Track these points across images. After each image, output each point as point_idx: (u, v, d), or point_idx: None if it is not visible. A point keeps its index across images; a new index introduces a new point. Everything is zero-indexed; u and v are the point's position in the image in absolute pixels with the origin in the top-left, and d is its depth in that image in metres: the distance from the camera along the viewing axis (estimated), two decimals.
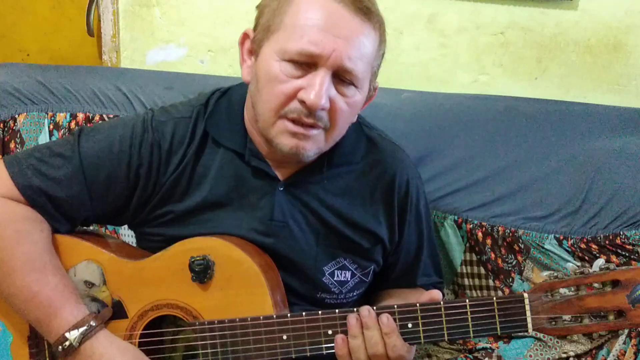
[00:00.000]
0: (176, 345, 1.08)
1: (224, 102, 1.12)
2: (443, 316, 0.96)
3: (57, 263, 1.02)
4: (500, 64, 1.71)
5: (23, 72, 1.60)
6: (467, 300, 0.96)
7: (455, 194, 1.46)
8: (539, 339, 1.41)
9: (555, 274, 0.97)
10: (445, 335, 0.96)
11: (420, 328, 0.96)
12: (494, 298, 0.96)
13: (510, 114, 1.55)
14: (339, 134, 1.05)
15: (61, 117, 1.52)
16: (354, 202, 1.13)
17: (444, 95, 1.63)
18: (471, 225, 1.44)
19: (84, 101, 1.54)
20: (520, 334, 1.41)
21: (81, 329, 0.96)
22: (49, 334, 0.98)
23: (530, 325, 0.95)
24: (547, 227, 1.41)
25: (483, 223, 1.43)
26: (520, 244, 1.41)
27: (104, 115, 1.52)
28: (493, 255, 1.42)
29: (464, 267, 1.44)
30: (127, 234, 1.45)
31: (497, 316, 0.95)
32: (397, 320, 0.97)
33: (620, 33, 1.64)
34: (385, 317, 0.96)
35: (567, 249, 1.38)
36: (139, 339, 1.03)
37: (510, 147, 1.49)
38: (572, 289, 0.95)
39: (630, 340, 1.35)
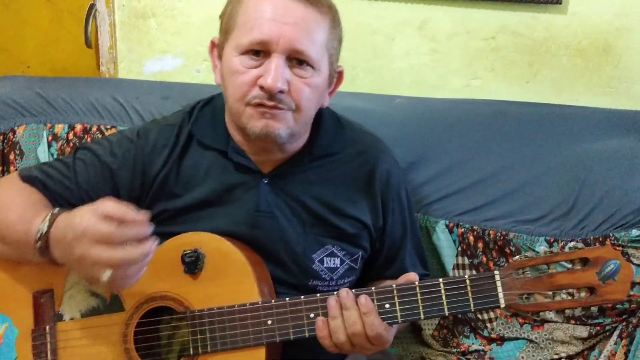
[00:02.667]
0: (171, 334, 1.12)
1: (208, 108, 1.21)
2: (418, 295, 1.01)
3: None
4: (492, 69, 1.73)
5: (23, 85, 1.63)
6: (440, 280, 1.01)
7: (446, 198, 1.48)
8: (531, 341, 1.42)
9: (526, 254, 1.00)
10: (422, 313, 1.01)
11: (397, 308, 1.01)
12: (466, 276, 1.01)
13: (502, 118, 1.57)
14: (306, 114, 1.11)
15: (59, 129, 1.55)
16: (338, 191, 1.18)
17: (435, 101, 1.65)
18: (462, 230, 1.45)
19: (82, 112, 1.57)
20: (511, 335, 1.43)
21: (46, 218, 1.00)
22: (31, 247, 1.01)
23: (502, 301, 0.99)
24: (538, 230, 1.43)
25: (474, 227, 1.45)
26: (511, 247, 1.42)
27: (101, 126, 1.54)
28: (485, 259, 1.44)
29: (456, 271, 1.46)
30: None
31: (470, 293, 1.00)
32: (375, 301, 1.02)
33: (610, 36, 1.65)
34: (364, 298, 1.01)
35: (555, 248, 1.39)
36: (135, 328, 1.08)
37: (502, 151, 1.51)
38: (543, 267, 0.99)
39: (621, 341, 1.36)
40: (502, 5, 1.67)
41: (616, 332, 1.38)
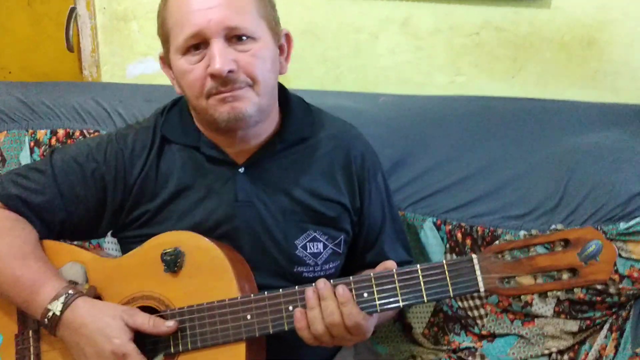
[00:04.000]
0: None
1: (176, 109, 1.22)
2: (396, 283, 1.00)
3: (40, 253, 1.11)
4: (476, 64, 1.72)
5: (3, 90, 1.62)
6: (418, 266, 1.00)
7: (433, 195, 1.47)
8: (522, 337, 1.42)
9: (505, 238, 0.98)
10: (400, 301, 1.00)
11: (376, 296, 1.00)
12: (444, 261, 0.99)
13: (487, 114, 1.57)
14: (265, 84, 1.10)
15: (42, 134, 1.53)
16: (314, 175, 1.19)
17: (420, 98, 1.64)
18: (450, 226, 1.45)
19: (64, 117, 1.56)
20: (501, 331, 1.43)
21: (61, 298, 1.02)
22: (35, 312, 1.04)
23: (481, 284, 0.97)
24: (526, 225, 1.42)
25: (462, 224, 1.44)
26: (499, 243, 1.42)
27: (84, 131, 1.53)
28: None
29: None
30: (111, 248, 1.46)
31: (448, 278, 0.99)
32: (353, 291, 1.01)
33: (593, 30, 1.66)
34: (341, 288, 1.00)
35: (546, 246, 1.39)
36: None
37: (488, 146, 1.50)
38: (523, 251, 0.97)
39: (611, 334, 1.36)
40: (485, 1, 1.67)
41: (606, 326, 1.38)
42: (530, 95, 1.67)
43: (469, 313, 1.45)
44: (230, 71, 1.04)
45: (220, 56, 1.04)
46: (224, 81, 1.05)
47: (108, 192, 1.16)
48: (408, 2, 1.70)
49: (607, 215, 1.39)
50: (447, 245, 1.45)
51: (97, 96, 1.60)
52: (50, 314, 1.01)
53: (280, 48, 1.15)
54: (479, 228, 1.44)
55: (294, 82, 1.62)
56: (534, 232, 0.97)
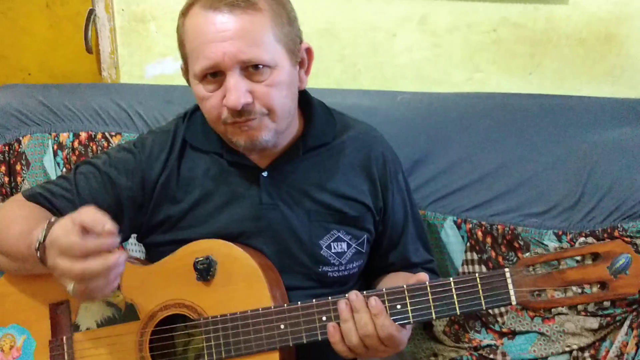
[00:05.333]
0: (186, 341, 1.13)
1: (199, 113, 1.20)
2: (429, 295, 1.01)
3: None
4: (494, 61, 1.72)
5: (24, 93, 1.63)
6: (451, 279, 1.01)
7: (453, 194, 1.48)
8: (542, 334, 1.43)
9: (536, 251, 1.00)
10: (433, 313, 1.01)
11: (409, 308, 1.02)
12: (477, 274, 1.01)
13: (505, 111, 1.57)
14: (283, 110, 1.10)
15: (64, 137, 1.55)
16: (336, 176, 1.20)
17: (438, 96, 1.64)
18: (470, 225, 1.46)
19: (86, 120, 1.57)
20: (522, 328, 1.44)
21: (44, 227, 1.00)
22: (33, 258, 1.01)
23: (513, 298, 0.99)
24: (546, 223, 1.43)
25: (482, 222, 1.45)
26: (519, 241, 1.42)
27: (106, 133, 1.54)
28: (494, 254, 1.45)
29: (465, 266, 1.46)
30: (135, 250, 1.48)
31: (480, 291, 1.00)
32: (386, 302, 1.02)
33: (611, 25, 1.65)
34: (373, 300, 1.02)
35: (566, 243, 1.40)
36: (150, 336, 1.09)
37: (506, 144, 1.51)
38: (553, 264, 0.99)
39: (632, 332, 1.37)
40: None
41: (627, 323, 1.38)
42: (548, 92, 1.67)
43: (490, 311, 1.46)
44: (245, 104, 1.05)
45: (235, 90, 1.04)
46: (239, 112, 1.06)
47: (123, 197, 1.18)
48: (425, 0, 1.70)
49: (627, 212, 1.39)
50: (468, 244, 1.46)
51: (117, 98, 1.61)
52: (37, 244, 1.00)
53: (300, 62, 1.15)
54: (499, 226, 1.44)
55: (311, 80, 1.59)
56: (564, 245, 0.99)
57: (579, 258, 0.99)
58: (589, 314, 1.41)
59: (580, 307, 1.01)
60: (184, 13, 1.09)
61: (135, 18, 1.78)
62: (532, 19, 1.67)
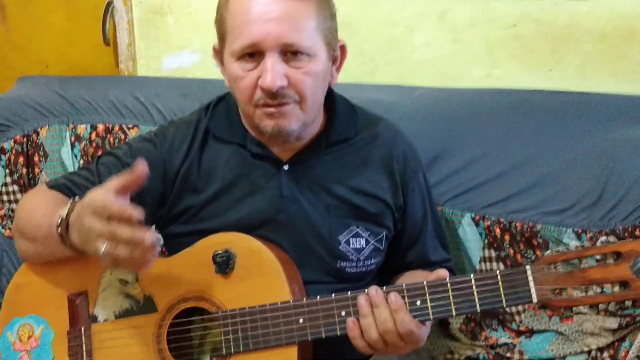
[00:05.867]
0: (203, 334, 1.13)
1: (223, 104, 1.23)
2: (450, 292, 1.01)
3: None
4: (514, 57, 1.70)
5: (42, 85, 1.64)
6: (472, 276, 1.00)
7: (472, 191, 1.47)
8: (560, 333, 1.41)
9: (558, 249, 0.99)
10: (453, 310, 1.00)
11: (429, 304, 1.01)
12: (498, 272, 0.99)
13: (525, 107, 1.55)
14: (313, 101, 1.12)
15: (82, 129, 1.55)
16: (357, 172, 1.20)
17: (457, 91, 1.63)
18: (489, 222, 1.44)
19: (104, 112, 1.58)
20: (539, 327, 1.43)
21: (67, 206, 1.02)
22: (55, 238, 1.03)
23: (534, 296, 0.98)
24: (566, 221, 1.40)
25: (500, 219, 1.43)
26: (538, 239, 1.41)
27: (123, 126, 1.55)
28: (512, 251, 1.43)
29: (482, 263, 1.45)
30: None
31: (501, 289, 0.99)
32: (406, 298, 1.02)
33: (634, 21, 1.62)
34: (393, 295, 1.01)
35: (586, 242, 1.38)
36: (168, 328, 1.09)
37: (526, 141, 1.49)
38: (575, 262, 0.98)
39: None
40: None
41: None
42: (569, 88, 1.65)
43: (507, 309, 1.44)
44: (280, 87, 1.05)
45: (273, 72, 1.05)
46: (272, 95, 1.06)
47: (145, 187, 1.15)
48: None
49: None
50: (486, 241, 1.45)
51: (135, 90, 1.62)
52: (59, 220, 1.01)
53: (334, 59, 1.16)
54: (517, 224, 1.43)
55: None
56: (586, 244, 0.98)
57: (600, 257, 0.98)
58: (608, 313, 1.39)
59: (601, 306, 1.00)
60: None
61: (153, 10, 1.79)
62: (554, 15, 1.65)
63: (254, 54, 1.06)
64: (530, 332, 1.43)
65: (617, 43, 1.65)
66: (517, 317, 1.44)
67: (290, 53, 1.06)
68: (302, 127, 1.12)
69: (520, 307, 1.44)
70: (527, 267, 0.99)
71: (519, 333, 1.44)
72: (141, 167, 0.93)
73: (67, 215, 1.00)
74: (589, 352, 1.40)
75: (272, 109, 1.08)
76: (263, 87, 1.06)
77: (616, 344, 1.39)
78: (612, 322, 1.39)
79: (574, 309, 1.32)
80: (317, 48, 1.09)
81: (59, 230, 1.01)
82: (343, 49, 1.19)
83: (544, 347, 1.41)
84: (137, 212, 0.91)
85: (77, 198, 1.02)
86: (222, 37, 1.12)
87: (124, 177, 0.94)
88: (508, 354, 1.43)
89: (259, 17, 1.04)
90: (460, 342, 1.47)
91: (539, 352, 1.41)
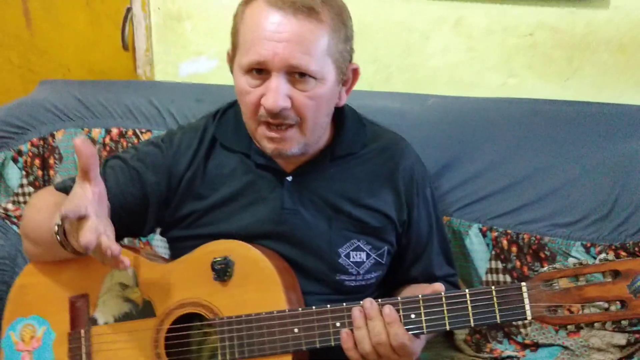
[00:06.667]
0: (201, 340, 1.15)
1: (231, 112, 1.23)
2: (444, 306, 1.01)
3: None
4: (530, 66, 1.68)
5: (62, 89, 1.68)
6: (467, 291, 1.00)
7: (480, 201, 1.46)
8: (566, 348, 1.39)
9: (555, 266, 0.98)
10: (447, 324, 1.00)
11: (423, 318, 1.01)
12: (493, 287, 0.99)
13: (538, 118, 1.53)
14: (314, 124, 1.11)
15: (96, 133, 1.59)
16: (360, 186, 1.20)
17: (470, 100, 1.62)
18: (496, 233, 1.43)
19: (118, 116, 1.61)
20: (545, 341, 1.41)
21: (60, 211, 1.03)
22: (54, 240, 1.04)
23: (529, 313, 0.98)
24: (574, 234, 1.39)
25: (508, 231, 1.42)
26: (546, 252, 1.39)
27: (137, 130, 1.58)
28: (519, 263, 1.42)
29: (489, 275, 1.44)
30: (159, 245, 1.51)
31: (496, 304, 0.99)
32: (401, 311, 1.02)
33: None
34: (388, 308, 1.01)
35: (594, 256, 1.36)
36: (166, 334, 1.11)
37: (537, 152, 1.47)
38: (572, 280, 0.96)
39: None
40: (540, 1, 1.62)
41: None
42: (586, 98, 1.61)
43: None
44: (282, 109, 1.06)
45: (276, 93, 1.05)
46: (274, 115, 1.07)
47: (150, 191, 1.19)
48: (461, 2, 1.67)
49: None
50: (493, 252, 1.44)
51: (150, 95, 1.64)
52: (56, 227, 1.02)
53: (344, 81, 1.15)
54: (525, 236, 1.41)
55: None
56: (584, 261, 0.97)
57: (598, 275, 0.96)
58: (616, 329, 1.36)
59: (607, 324, 0.99)
60: (247, 2, 1.09)
61: (170, 16, 1.81)
62: (571, 23, 1.62)
63: (261, 70, 1.06)
64: (536, 346, 1.42)
65: (636, 53, 1.61)
66: (522, 330, 1.43)
67: (297, 75, 1.06)
68: (303, 148, 1.12)
69: (526, 320, 1.42)
70: (523, 284, 0.99)
71: (524, 346, 1.43)
72: (79, 143, 0.96)
73: (62, 221, 1.02)
74: None
75: (273, 134, 1.09)
76: (265, 106, 1.06)
77: None
78: (620, 339, 1.37)
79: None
80: (326, 71, 1.08)
81: (58, 238, 1.03)
82: (355, 72, 1.17)
83: None
84: (84, 210, 0.95)
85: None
86: (234, 46, 1.12)
87: (79, 162, 0.98)
88: None
89: (269, 35, 1.04)
90: (464, 353, 1.47)
91: None
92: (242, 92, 1.10)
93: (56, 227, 1.02)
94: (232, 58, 1.14)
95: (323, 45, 1.07)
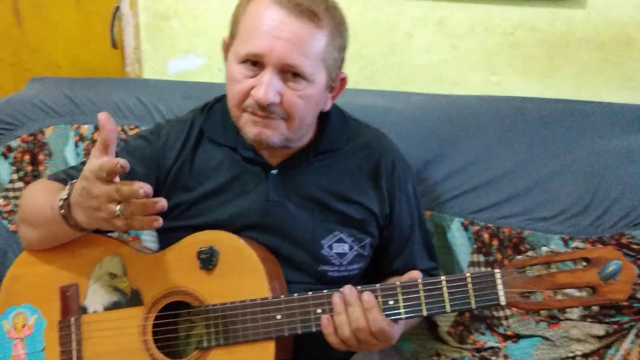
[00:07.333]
0: (187, 327, 1.18)
1: (219, 106, 1.26)
2: (421, 292, 1.04)
3: None
4: (511, 64, 1.72)
5: (52, 86, 1.70)
6: (443, 277, 1.04)
7: (462, 196, 1.49)
8: (546, 339, 1.43)
9: (528, 254, 1.02)
10: (424, 310, 1.04)
11: (401, 304, 1.04)
12: (468, 274, 1.03)
13: (519, 115, 1.56)
14: (300, 123, 1.14)
15: (85, 129, 1.61)
16: (343, 180, 1.24)
17: (452, 98, 1.65)
18: (478, 227, 1.46)
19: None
20: (526, 332, 1.44)
21: (67, 188, 1.06)
22: (57, 219, 1.07)
23: (502, 299, 1.01)
24: (553, 228, 1.42)
25: (489, 225, 1.46)
26: (526, 245, 1.42)
27: (125, 127, 1.60)
28: (500, 256, 1.45)
29: (471, 268, 1.47)
30: (147, 240, 1.53)
31: (470, 291, 1.02)
32: (380, 298, 1.05)
33: (631, 29, 1.63)
34: (366, 294, 1.04)
35: (573, 249, 1.40)
36: (154, 321, 1.13)
37: (518, 148, 1.51)
38: (544, 267, 1.00)
39: (637, 340, 1.36)
40: (520, 1, 1.66)
41: (633, 331, 1.38)
42: (566, 96, 1.66)
43: (495, 313, 1.46)
44: (271, 103, 1.09)
45: (268, 87, 1.08)
46: (262, 107, 1.10)
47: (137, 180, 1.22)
48: (443, 2, 1.71)
49: (636, 219, 1.39)
50: (474, 246, 1.47)
51: (139, 93, 1.66)
52: (61, 202, 1.05)
53: (332, 88, 1.19)
54: (505, 229, 1.45)
55: None
56: (555, 249, 1.00)
57: (569, 263, 1.00)
58: (595, 320, 1.40)
59: (590, 310, 1.00)
60: None
61: (158, 15, 1.84)
62: (550, 23, 1.67)
63: (256, 63, 1.09)
64: (517, 337, 1.45)
65: (614, 51, 1.66)
66: (504, 322, 1.46)
67: (290, 73, 1.09)
68: (284, 141, 1.15)
69: (507, 312, 1.46)
70: (497, 270, 1.02)
71: (506, 337, 1.46)
72: (103, 118, 0.97)
73: (68, 196, 1.05)
74: (574, 357, 1.41)
75: (257, 118, 1.12)
76: (255, 98, 1.09)
77: (602, 350, 1.41)
78: (599, 329, 1.40)
79: (560, 315, 1.34)
80: (317, 75, 1.12)
81: (62, 212, 1.05)
82: (343, 81, 1.21)
83: (528, 351, 1.43)
84: (124, 162, 0.94)
85: (74, 181, 1.05)
86: (232, 33, 1.15)
87: (100, 137, 0.98)
88: (493, 358, 1.44)
89: (269, 31, 1.07)
90: (448, 345, 1.49)
91: (524, 356, 1.43)
92: (233, 80, 1.12)
93: (61, 202, 1.05)
94: (227, 46, 1.17)
95: (319, 50, 1.10)
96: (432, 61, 1.76)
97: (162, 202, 0.95)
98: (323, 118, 1.24)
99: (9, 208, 1.59)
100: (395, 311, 1.04)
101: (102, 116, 0.97)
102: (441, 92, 1.71)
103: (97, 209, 0.98)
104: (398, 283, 1.05)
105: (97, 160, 0.97)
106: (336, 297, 1.06)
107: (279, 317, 1.08)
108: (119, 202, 0.96)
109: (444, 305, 1.03)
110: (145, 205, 0.94)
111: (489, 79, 1.74)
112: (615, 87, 1.68)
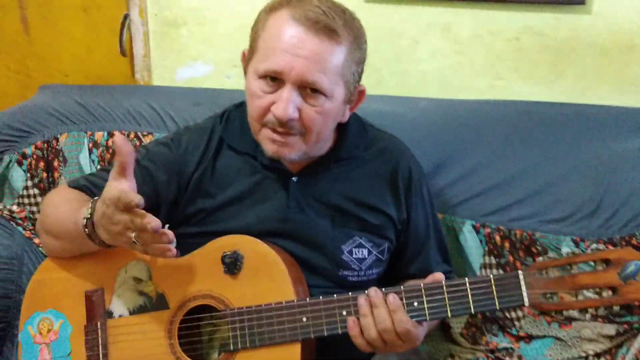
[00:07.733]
0: (212, 330, 1.18)
1: (238, 113, 1.28)
2: (445, 294, 1.06)
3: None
4: (516, 69, 1.75)
5: (62, 94, 1.70)
6: (466, 279, 1.06)
7: (473, 199, 1.51)
8: (559, 339, 1.45)
9: (549, 256, 1.04)
10: (449, 311, 1.06)
11: (425, 306, 1.06)
12: (491, 276, 1.05)
13: (526, 119, 1.59)
14: (318, 137, 1.17)
15: (99, 136, 1.62)
16: (361, 186, 1.26)
17: (460, 102, 1.67)
18: (489, 230, 1.48)
19: (120, 120, 1.64)
20: (538, 333, 1.46)
21: (90, 205, 1.09)
22: (81, 236, 1.09)
23: (526, 300, 1.03)
24: (564, 230, 1.44)
25: (500, 227, 1.48)
26: (537, 247, 1.45)
27: (139, 133, 1.61)
28: (511, 258, 1.47)
29: (483, 270, 1.49)
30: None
31: (494, 292, 1.04)
32: (404, 299, 1.07)
33: (634, 35, 1.66)
34: (392, 296, 1.06)
35: (583, 250, 1.42)
36: (179, 325, 1.15)
37: (526, 151, 1.53)
38: (566, 268, 1.03)
39: None
40: (525, 7, 1.69)
41: None
42: (570, 101, 1.69)
43: (507, 314, 1.48)
44: (291, 119, 1.11)
45: (287, 103, 1.10)
46: (281, 123, 1.12)
47: (161, 190, 1.24)
48: (449, 9, 1.73)
49: None
50: (486, 248, 1.49)
51: (150, 99, 1.67)
52: (84, 221, 1.07)
53: (350, 100, 1.21)
54: (517, 231, 1.47)
55: None
56: (576, 251, 1.02)
57: (591, 263, 1.02)
58: (606, 320, 1.42)
59: (591, 310, 1.03)
60: (271, 10, 1.14)
61: (167, 23, 1.85)
62: (555, 28, 1.70)
63: (275, 79, 1.11)
64: (530, 338, 1.47)
65: (618, 56, 1.69)
66: (516, 323, 1.48)
67: (309, 89, 1.11)
68: (302, 156, 1.18)
69: (519, 313, 1.48)
70: (520, 272, 1.04)
71: (518, 338, 1.48)
72: (119, 141, 1.00)
73: (91, 215, 1.07)
74: (587, 357, 1.43)
75: (276, 136, 1.14)
76: (275, 114, 1.11)
77: (613, 350, 1.43)
78: (610, 329, 1.43)
79: (567, 314, 1.36)
80: (336, 91, 1.14)
81: (86, 231, 1.08)
82: (362, 93, 1.23)
83: (542, 352, 1.45)
84: (138, 199, 0.98)
85: (96, 198, 1.08)
86: (252, 48, 1.16)
87: (117, 160, 1.01)
88: (507, 358, 1.46)
89: (289, 48, 1.09)
90: (461, 345, 1.51)
91: (537, 356, 1.45)
92: (254, 95, 1.14)
93: (84, 220, 1.07)
94: (247, 60, 1.18)
95: (338, 66, 1.12)
96: (438, 67, 1.79)
97: (170, 236, 1.00)
98: (342, 126, 1.26)
99: (23, 214, 1.59)
100: (420, 312, 1.06)
101: (118, 139, 1.00)
102: (447, 98, 1.73)
103: (119, 234, 1.02)
104: (422, 285, 1.07)
105: (116, 189, 1.00)
106: (362, 299, 1.07)
107: (304, 319, 1.09)
108: (134, 230, 0.99)
109: (469, 307, 1.05)
110: (154, 237, 0.99)
111: (494, 83, 1.77)
112: (618, 92, 1.71)
